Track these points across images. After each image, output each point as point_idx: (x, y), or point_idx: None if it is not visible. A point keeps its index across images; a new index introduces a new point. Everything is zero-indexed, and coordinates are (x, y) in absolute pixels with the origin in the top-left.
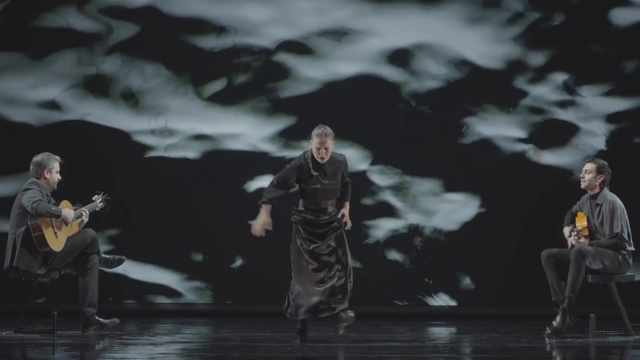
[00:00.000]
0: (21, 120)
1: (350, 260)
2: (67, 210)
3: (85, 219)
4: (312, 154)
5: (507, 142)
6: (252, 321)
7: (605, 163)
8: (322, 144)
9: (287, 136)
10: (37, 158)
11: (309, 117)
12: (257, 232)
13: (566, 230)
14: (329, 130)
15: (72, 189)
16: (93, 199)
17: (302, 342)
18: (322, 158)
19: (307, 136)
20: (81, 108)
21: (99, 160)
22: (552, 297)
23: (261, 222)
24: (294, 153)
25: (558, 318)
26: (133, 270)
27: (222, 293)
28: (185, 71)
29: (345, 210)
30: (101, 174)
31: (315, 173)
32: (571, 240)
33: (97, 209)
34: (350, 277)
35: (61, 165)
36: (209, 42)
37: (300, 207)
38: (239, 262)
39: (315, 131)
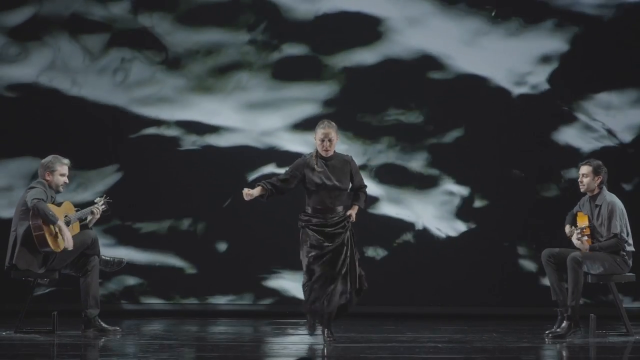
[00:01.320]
0: (28, 105)
1: (357, 263)
2: (63, 225)
3: (97, 215)
4: (316, 153)
5: (509, 139)
6: (252, 321)
7: (600, 162)
8: (326, 135)
9: (293, 130)
10: (43, 160)
11: (310, 109)
12: (245, 192)
13: (567, 228)
14: (332, 123)
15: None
16: (95, 201)
17: (310, 333)
18: (326, 150)
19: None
20: (86, 93)
21: (100, 153)
22: (552, 297)
23: (248, 189)
24: (295, 148)
25: (563, 324)
26: (131, 266)
27: (222, 293)
28: (189, 63)
29: (353, 212)
30: (102, 166)
31: (319, 169)
32: (574, 239)
33: (100, 211)
34: (356, 283)
35: (69, 168)
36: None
37: (307, 211)
38: (238, 262)
39: (319, 124)
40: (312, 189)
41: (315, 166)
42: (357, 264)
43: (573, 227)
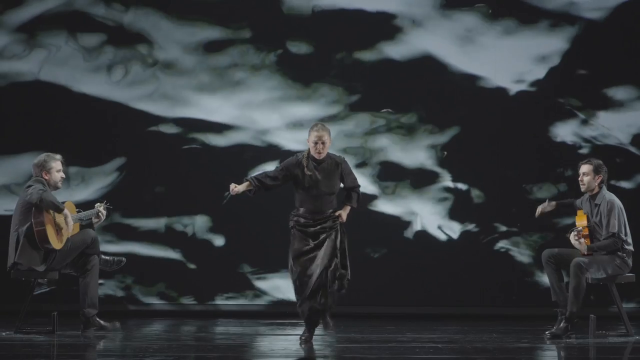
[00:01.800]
0: (28, 102)
1: (347, 263)
2: (69, 213)
3: (103, 218)
4: (308, 153)
5: (508, 138)
6: (251, 321)
7: (601, 162)
8: (319, 138)
9: (293, 128)
10: (36, 160)
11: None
12: (231, 187)
13: (544, 204)
14: (326, 126)
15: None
16: (95, 206)
17: (305, 344)
18: (319, 153)
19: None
20: (87, 91)
21: (100, 151)
22: (552, 297)
23: (235, 185)
24: (295, 147)
25: (561, 325)
26: (131, 266)
27: (222, 292)
28: (189, 61)
29: (343, 212)
30: (102, 164)
31: (309, 172)
32: (572, 239)
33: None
34: (344, 281)
35: (63, 163)
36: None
37: (296, 211)
38: (239, 261)
39: (313, 127)
40: (300, 190)
41: (305, 168)
42: (345, 264)
43: (572, 229)
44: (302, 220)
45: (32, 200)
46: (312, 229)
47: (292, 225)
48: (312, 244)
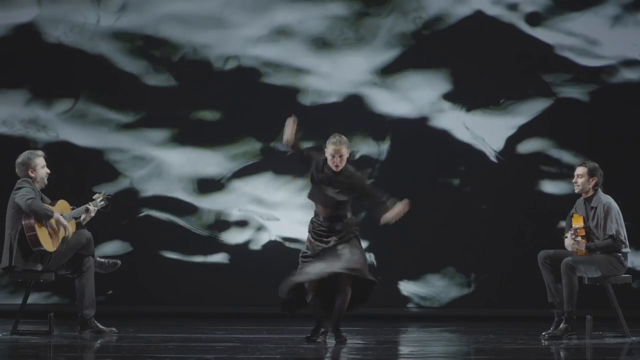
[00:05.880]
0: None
1: (365, 261)
2: (60, 216)
3: (92, 214)
4: (325, 162)
5: (503, 140)
6: (248, 322)
7: (597, 165)
8: (336, 152)
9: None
10: (19, 159)
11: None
12: (289, 127)
13: (567, 241)
14: (344, 138)
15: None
16: (94, 197)
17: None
18: (337, 166)
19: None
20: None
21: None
22: (548, 299)
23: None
24: None
25: (561, 326)
26: (129, 266)
27: (218, 294)
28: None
29: (389, 215)
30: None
31: (325, 179)
32: (568, 240)
33: (98, 207)
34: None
35: (46, 159)
36: None
37: (316, 217)
38: (236, 264)
39: (330, 139)
40: (313, 192)
41: (324, 171)
42: (360, 260)
43: (568, 231)
44: (317, 224)
45: (22, 208)
46: (325, 242)
47: (309, 230)
48: (319, 251)
